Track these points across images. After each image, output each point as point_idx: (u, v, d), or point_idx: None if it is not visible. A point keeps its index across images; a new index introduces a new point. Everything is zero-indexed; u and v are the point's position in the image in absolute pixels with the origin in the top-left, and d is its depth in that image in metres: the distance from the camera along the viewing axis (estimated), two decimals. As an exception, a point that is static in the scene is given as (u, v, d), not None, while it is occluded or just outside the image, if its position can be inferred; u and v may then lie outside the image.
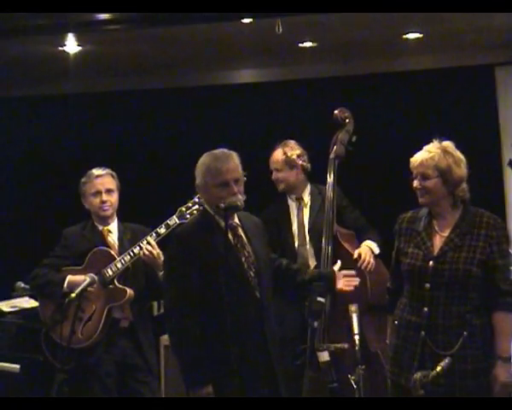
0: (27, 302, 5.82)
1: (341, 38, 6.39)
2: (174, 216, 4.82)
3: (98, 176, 4.95)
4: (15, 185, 7.51)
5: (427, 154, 4.03)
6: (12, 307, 5.81)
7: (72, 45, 6.26)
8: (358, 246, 5.20)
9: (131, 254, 4.83)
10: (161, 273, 4.77)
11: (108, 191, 4.95)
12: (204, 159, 4.03)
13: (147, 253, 4.78)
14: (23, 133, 7.52)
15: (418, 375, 3.51)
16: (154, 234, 4.82)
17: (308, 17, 5.51)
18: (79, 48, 6.33)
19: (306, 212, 5.40)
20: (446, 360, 3.54)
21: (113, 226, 5.03)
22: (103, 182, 4.94)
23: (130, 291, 4.86)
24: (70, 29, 5.69)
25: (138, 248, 4.82)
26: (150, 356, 4.96)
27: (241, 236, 4.02)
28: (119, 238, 5.00)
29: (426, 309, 3.90)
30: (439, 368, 3.53)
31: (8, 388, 5.34)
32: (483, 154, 6.88)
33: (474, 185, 6.64)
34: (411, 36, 6.34)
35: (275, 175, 5.45)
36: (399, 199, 6.65)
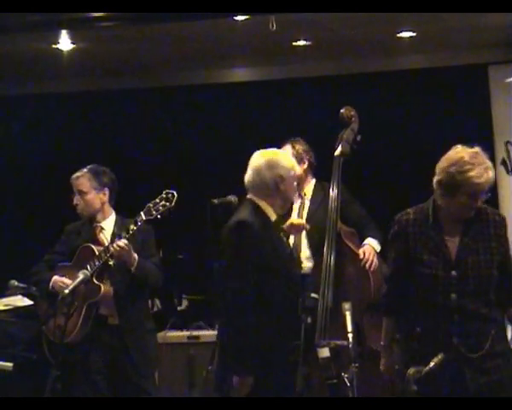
0: (21, 300, 5.81)
1: (335, 37, 6.40)
2: (141, 212, 4.80)
3: (73, 178, 5.04)
4: (9, 184, 7.49)
5: (491, 172, 3.88)
6: (5, 305, 5.80)
7: (65, 43, 6.24)
8: (360, 243, 5.23)
9: (106, 251, 4.84)
10: (133, 268, 4.82)
11: (81, 193, 5.00)
12: (283, 152, 4.33)
13: (118, 249, 4.77)
14: (16, 132, 7.49)
15: (411, 371, 3.50)
16: (124, 231, 4.82)
17: (302, 16, 5.51)
18: (73, 45, 6.32)
19: (307, 204, 5.41)
20: (439, 356, 3.54)
21: (108, 223, 5.05)
22: (76, 184, 5.03)
23: (104, 288, 4.85)
24: (63, 26, 5.68)
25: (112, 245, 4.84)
26: (139, 356, 4.93)
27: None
28: (112, 235, 4.98)
29: (456, 316, 3.81)
30: (431, 364, 3.52)
31: (1, 386, 5.33)
32: (476, 153, 6.89)
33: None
34: (405, 34, 6.35)
35: None
36: (396, 196, 6.69)
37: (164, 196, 4.77)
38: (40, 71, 7.10)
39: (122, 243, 4.76)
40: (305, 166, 5.41)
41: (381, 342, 4.15)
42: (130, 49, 6.62)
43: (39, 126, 7.47)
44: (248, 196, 4.22)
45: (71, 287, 4.57)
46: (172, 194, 4.76)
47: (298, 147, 5.41)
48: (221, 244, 4.09)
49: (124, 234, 4.80)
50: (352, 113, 5.45)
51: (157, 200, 4.79)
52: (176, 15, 5.35)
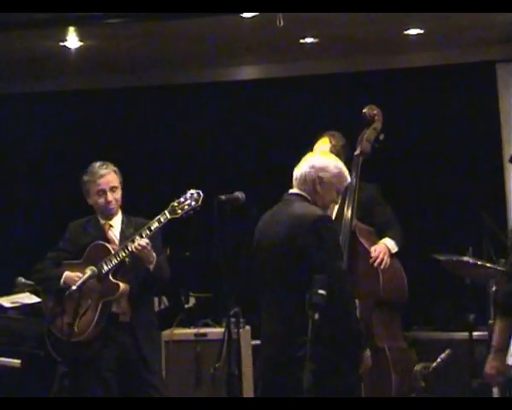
0: (28, 298, 5.83)
1: (342, 35, 6.39)
2: (166, 211, 4.78)
3: (102, 175, 4.93)
4: (15, 181, 7.50)
5: None
6: (13, 302, 5.81)
7: (73, 41, 6.25)
8: (377, 242, 5.24)
9: (126, 249, 4.82)
10: (152, 266, 4.81)
11: (112, 189, 4.95)
12: (338, 161, 4.27)
13: (139, 248, 4.77)
14: (23, 130, 7.50)
15: (419, 367, 3.53)
16: (146, 230, 4.81)
17: (309, 13, 5.51)
18: (81, 43, 6.32)
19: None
20: (447, 352, 3.56)
21: (116, 221, 5.03)
22: (107, 180, 4.93)
23: (123, 286, 4.84)
24: (71, 23, 5.68)
25: (132, 243, 4.81)
26: (149, 353, 4.94)
27: None
28: (121, 233, 4.99)
29: None
30: (438, 360, 3.54)
31: (9, 382, 5.35)
32: (484, 150, 6.89)
33: (475, 181, 6.72)
34: (412, 32, 6.34)
35: None
36: (400, 193, 6.68)
37: (189, 195, 4.76)
38: (48, 69, 7.11)
39: (144, 241, 4.75)
40: (342, 161, 5.38)
41: (493, 344, 3.91)
42: (138, 47, 6.63)
43: (47, 124, 7.47)
44: (294, 191, 4.23)
45: (78, 283, 4.59)
46: (198, 193, 4.75)
47: (335, 142, 5.40)
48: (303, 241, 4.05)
49: (145, 233, 4.78)
50: (375, 111, 5.47)
51: (181, 199, 4.77)
52: (184, 13, 5.36)
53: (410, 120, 6.90)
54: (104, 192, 4.93)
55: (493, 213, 6.05)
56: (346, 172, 4.24)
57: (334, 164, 4.22)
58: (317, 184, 4.16)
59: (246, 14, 5.63)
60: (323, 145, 5.42)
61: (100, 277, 4.82)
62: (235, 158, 7.19)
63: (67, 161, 7.20)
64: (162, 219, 4.78)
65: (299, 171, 4.22)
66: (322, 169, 4.17)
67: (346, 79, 7.06)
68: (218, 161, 7.20)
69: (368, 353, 4.13)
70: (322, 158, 4.29)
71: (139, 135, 7.45)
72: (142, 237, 4.78)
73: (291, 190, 4.25)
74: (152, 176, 7.35)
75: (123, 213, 5.07)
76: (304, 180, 4.19)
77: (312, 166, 4.19)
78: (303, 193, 4.18)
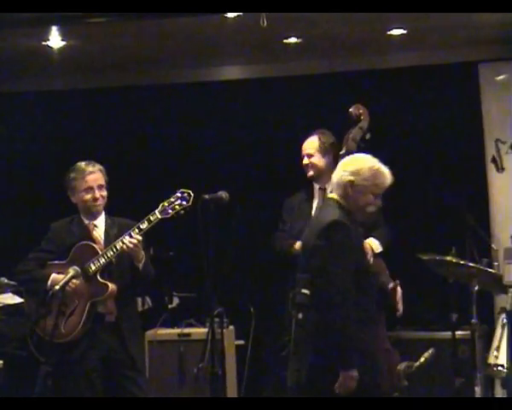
0: (11, 298, 5.80)
1: (326, 35, 6.40)
2: (156, 211, 4.82)
3: (91, 172, 4.95)
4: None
5: None
6: (-5, 303, 5.80)
7: (56, 40, 6.23)
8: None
9: (114, 248, 4.82)
10: (141, 265, 4.82)
11: (100, 187, 4.97)
12: (375, 162, 4.12)
13: (131, 246, 4.77)
14: (4, 129, 7.46)
15: (402, 366, 3.54)
16: (136, 229, 4.82)
17: (293, 13, 5.51)
18: (63, 43, 6.30)
19: None
20: (430, 351, 3.57)
21: (100, 221, 5.03)
22: (95, 178, 4.96)
23: (111, 286, 4.85)
24: (53, 22, 5.66)
25: (121, 242, 4.81)
26: (135, 352, 4.95)
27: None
28: (105, 233, 4.99)
29: None
30: (422, 359, 3.56)
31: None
32: (466, 150, 6.92)
33: (458, 182, 6.74)
34: (395, 32, 6.36)
35: (306, 160, 5.50)
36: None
37: (179, 194, 4.80)
38: (30, 68, 7.08)
39: (136, 239, 4.77)
40: (330, 159, 5.43)
41: None
42: (121, 47, 6.61)
43: (28, 124, 7.44)
44: (330, 196, 4.20)
45: (61, 283, 4.58)
46: (189, 193, 4.79)
47: (324, 139, 5.47)
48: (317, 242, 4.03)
49: (135, 231, 4.79)
50: (361, 111, 5.47)
51: (172, 199, 4.81)
52: (167, 13, 5.35)
53: (393, 121, 6.91)
54: (92, 189, 4.95)
55: (476, 214, 6.08)
56: (385, 174, 4.11)
57: (370, 166, 4.11)
58: (349, 187, 4.08)
59: (229, 14, 5.63)
60: (311, 141, 5.48)
61: (88, 277, 4.82)
62: (219, 157, 7.18)
63: (50, 160, 7.16)
64: (152, 219, 4.81)
65: (334, 176, 4.16)
66: (355, 173, 4.09)
67: (329, 79, 7.07)
68: (203, 160, 7.19)
69: (351, 375, 3.89)
70: (356, 161, 4.18)
71: (123, 134, 7.43)
72: (131, 236, 4.79)
73: (329, 195, 4.22)
74: (134, 176, 7.33)
75: (106, 213, 5.07)
76: (337, 185, 4.12)
77: (345, 170, 4.12)
78: (337, 198, 4.12)
